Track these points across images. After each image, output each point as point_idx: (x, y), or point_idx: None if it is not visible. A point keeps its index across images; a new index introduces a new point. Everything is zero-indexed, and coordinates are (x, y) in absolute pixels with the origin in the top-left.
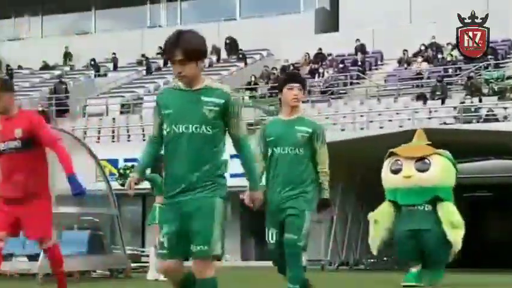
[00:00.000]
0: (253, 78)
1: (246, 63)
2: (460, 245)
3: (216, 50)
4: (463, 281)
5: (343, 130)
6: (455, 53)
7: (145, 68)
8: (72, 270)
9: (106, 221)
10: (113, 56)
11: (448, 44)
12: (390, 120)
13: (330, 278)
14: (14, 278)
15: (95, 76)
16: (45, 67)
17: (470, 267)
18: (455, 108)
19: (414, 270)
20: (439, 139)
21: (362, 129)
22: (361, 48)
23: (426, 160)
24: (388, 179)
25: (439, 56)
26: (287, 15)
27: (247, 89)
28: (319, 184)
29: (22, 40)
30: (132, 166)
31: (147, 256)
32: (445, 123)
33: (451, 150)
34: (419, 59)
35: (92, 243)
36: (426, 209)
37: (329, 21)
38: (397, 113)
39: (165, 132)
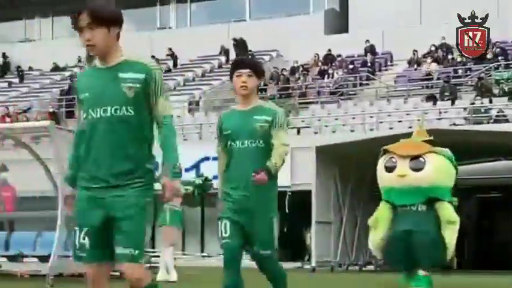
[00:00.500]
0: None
1: None
2: (453, 247)
3: (225, 51)
4: (472, 282)
5: (352, 131)
6: None
7: None
8: (83, 271)
9: None
10: None
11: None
12: (400, 121)
13: (339, 279)
14: (24, 279)
15: None
16: (56, 68)
17: (481, 268)
18: (465, 109)
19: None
20: (448, 140)
21: (372, 130)
22: (370, 49)
23: (421, 159)
24: (383, 178)
25: (449, 56)
26: (296, 16)
27: (256, 90)
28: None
29: (33, 42)
30: None
31: (158, 257)
32: (454, 124)
33: (461, 151)
34: (429, 59)
35: None
36: (420, 209)
37: (338, 22)
38: (407, 114)
39: (82, 119)
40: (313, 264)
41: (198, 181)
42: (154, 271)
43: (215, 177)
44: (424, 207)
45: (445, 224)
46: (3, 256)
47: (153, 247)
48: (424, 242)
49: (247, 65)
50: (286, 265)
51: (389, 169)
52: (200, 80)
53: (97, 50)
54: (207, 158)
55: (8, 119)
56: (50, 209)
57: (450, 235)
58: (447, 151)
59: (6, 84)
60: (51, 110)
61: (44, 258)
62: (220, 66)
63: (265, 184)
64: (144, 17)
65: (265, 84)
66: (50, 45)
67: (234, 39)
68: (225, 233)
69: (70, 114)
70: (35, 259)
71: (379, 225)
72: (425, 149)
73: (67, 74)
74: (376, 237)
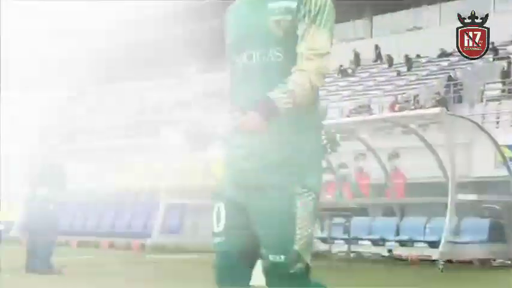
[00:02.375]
0: None
1: None
2: None
3: None
4: None
5: None
6: None
7: None
8: (471, 258)
9: (507, 208)
10: None
11: None
12: None
13: None
14: (414, 264)
15: (493, 60)
16: (442, 54)
17: None
18: None
19: None
20: None
21: None
22: None
23: None
24: None
25: None
26: None
27: None
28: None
29: (419, 30)
30: None
31: None
32: None
33: None
34: None
35: (493, 231)
36: None
37: None
38: None
39: None
40: None
41: None
42: None
43: None
44: None
45: None
46: (394, 241)
47: None
48: None
49: None
50: None
51: None
52: None
53: None
54: None
55: (396, 107)
56: (439, 195)
57: None
58: None
59: (394, 74)
60: (438, 97)
61: (433, 244)
62: None
63: (261, 131)
64: None
65: None
66: (437, 32)
67: None
68: (218, 225)
69: (458, 99)
70: (425, 244)
71: None
72: None
73: (454, 59)
74: None
